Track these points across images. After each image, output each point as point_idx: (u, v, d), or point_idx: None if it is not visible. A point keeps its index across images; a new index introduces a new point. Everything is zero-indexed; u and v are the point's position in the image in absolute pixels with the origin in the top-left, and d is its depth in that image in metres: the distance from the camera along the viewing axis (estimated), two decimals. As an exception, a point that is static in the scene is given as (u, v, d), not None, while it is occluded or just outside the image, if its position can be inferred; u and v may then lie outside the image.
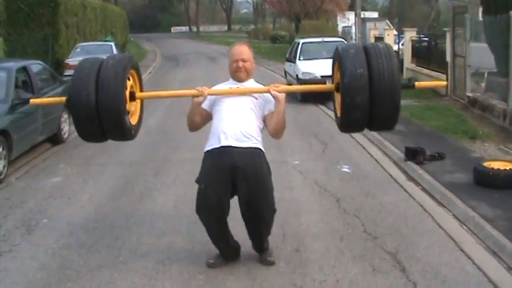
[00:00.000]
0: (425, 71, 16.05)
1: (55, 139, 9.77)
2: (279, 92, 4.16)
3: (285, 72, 17.33)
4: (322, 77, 13.73)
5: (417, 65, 16.94)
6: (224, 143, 4.11)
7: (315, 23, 36.74)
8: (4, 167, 7.56)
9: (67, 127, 10.07)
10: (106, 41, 22.26)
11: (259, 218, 4.31)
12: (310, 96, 13.60)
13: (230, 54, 4.41)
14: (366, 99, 3.80)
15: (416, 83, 3.98)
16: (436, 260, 4.62)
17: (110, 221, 5.80)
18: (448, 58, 13.59)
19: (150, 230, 5.48)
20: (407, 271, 4.43)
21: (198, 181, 4.28)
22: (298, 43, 16.32)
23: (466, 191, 6.25)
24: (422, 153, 7.53)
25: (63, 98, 4.18)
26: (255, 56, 4.63)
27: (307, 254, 4.80)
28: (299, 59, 15.27)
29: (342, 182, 7.02)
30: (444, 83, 4.44)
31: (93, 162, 8.37)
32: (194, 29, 73.67)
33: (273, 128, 4.21)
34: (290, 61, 16.13)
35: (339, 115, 4.19)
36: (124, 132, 4.18)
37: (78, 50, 19.19)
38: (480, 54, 12.32)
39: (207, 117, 4.39)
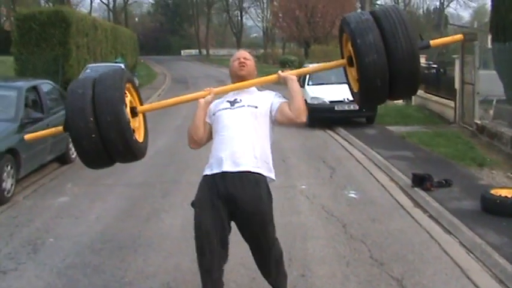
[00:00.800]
0: (434, 97, 16.06)
1: (63, 159, 9.83)
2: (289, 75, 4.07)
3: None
4: (330, 102, 13.86)
5: (426, 92, 16.92)
6: (220, 169, 3.81)
7: (324, 48, 37.02)
8: (12, 185, 7.61)
9: (76, 147, 10.09)
10: (116, 62, 22.42)
11: (260, 249, 3.94)
12: (318, 122, 13.69)
13: (231, 59, 4.23)
14: (384, 60, 3.56)
15: (431, 41, 3.90)
16: (443, 287, 4.59)
17: (116, 241, 5.80)
18: (457, 85, 13.61)
19: (157, 251, 5.48)
20: (413, 298, 4.40)
21: (193, 205, 3.92)
22: (307, 68, 16.39)
23: (473, 218, 6.22)
24: (430, 180, 7.51)
25: (60, 128, 3.85)
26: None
27: (313, 279, 4.77)
28: (308, 84, 15.28)
29: (348, 207, 7.01)
30: (460, 36, 4.33)
31: (101, 182, 8.40)
32: (204, 52, 74.24)
33: (294, 108, 3.90)
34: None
35: (356, 89, 3.97)
36: (133, 153, 3.93)
37: (88, 70, 19.34)
38: (489, 82, 12.34)
39: (209, 132, 4.08)
